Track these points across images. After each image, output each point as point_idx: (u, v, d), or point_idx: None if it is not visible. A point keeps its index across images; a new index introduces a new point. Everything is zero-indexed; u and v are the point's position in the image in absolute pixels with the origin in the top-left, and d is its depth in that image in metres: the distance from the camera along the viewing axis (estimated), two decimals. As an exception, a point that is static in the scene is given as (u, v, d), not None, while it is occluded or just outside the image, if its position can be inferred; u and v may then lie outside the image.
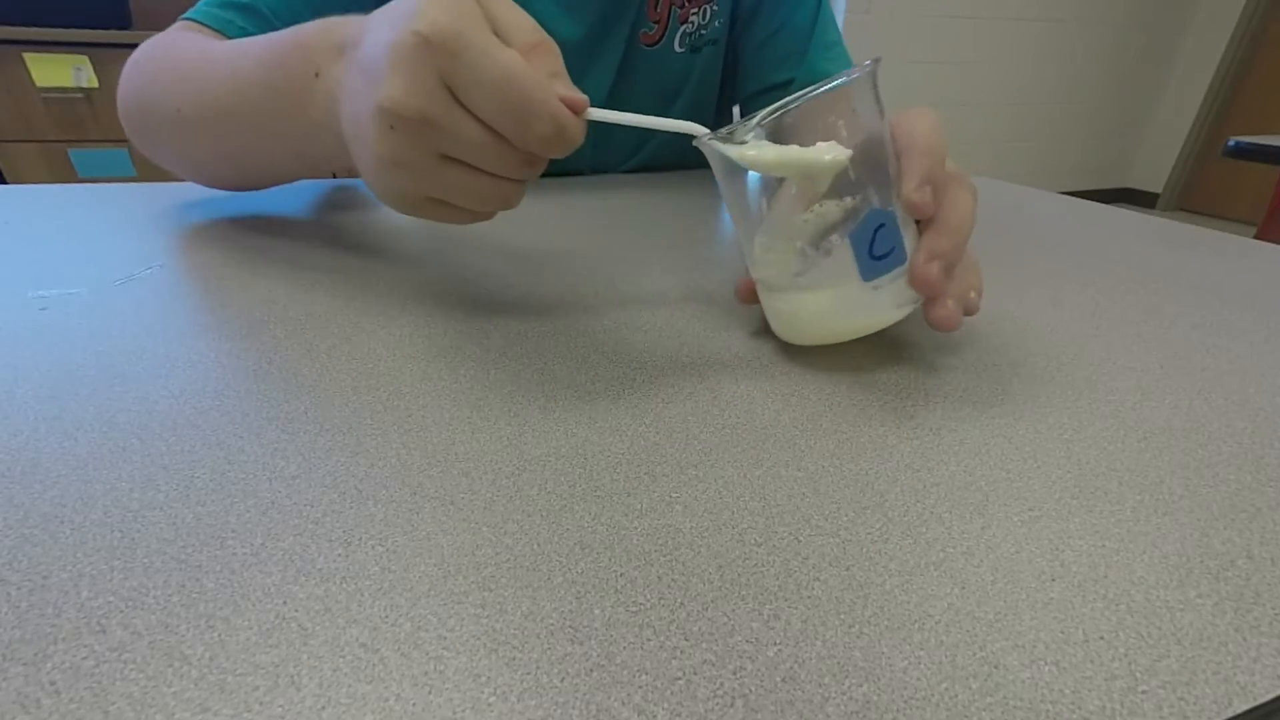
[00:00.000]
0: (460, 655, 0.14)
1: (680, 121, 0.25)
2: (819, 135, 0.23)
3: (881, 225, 0.23)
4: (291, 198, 0.50)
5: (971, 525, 0.18)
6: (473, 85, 0.22)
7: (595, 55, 0.55)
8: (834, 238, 0.24)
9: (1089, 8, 2.95)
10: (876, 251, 0.23)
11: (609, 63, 0.56)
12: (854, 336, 0.27)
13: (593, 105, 0.24)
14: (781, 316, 0.27)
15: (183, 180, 0.46)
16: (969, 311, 0.26)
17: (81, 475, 0.19)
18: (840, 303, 0.25)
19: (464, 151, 0.23)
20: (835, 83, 0.22)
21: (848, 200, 0.24)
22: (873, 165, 0.24)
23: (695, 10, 0.56)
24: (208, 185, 0.44)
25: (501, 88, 0.22)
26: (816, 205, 0.24)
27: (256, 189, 0.45)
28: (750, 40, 0.59)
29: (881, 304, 0.25)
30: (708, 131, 0.24)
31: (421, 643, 0.14)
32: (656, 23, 0.56)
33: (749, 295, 0.29)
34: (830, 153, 0.22)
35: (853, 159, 0.23)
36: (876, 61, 0.23)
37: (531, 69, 0.22)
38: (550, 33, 0.24)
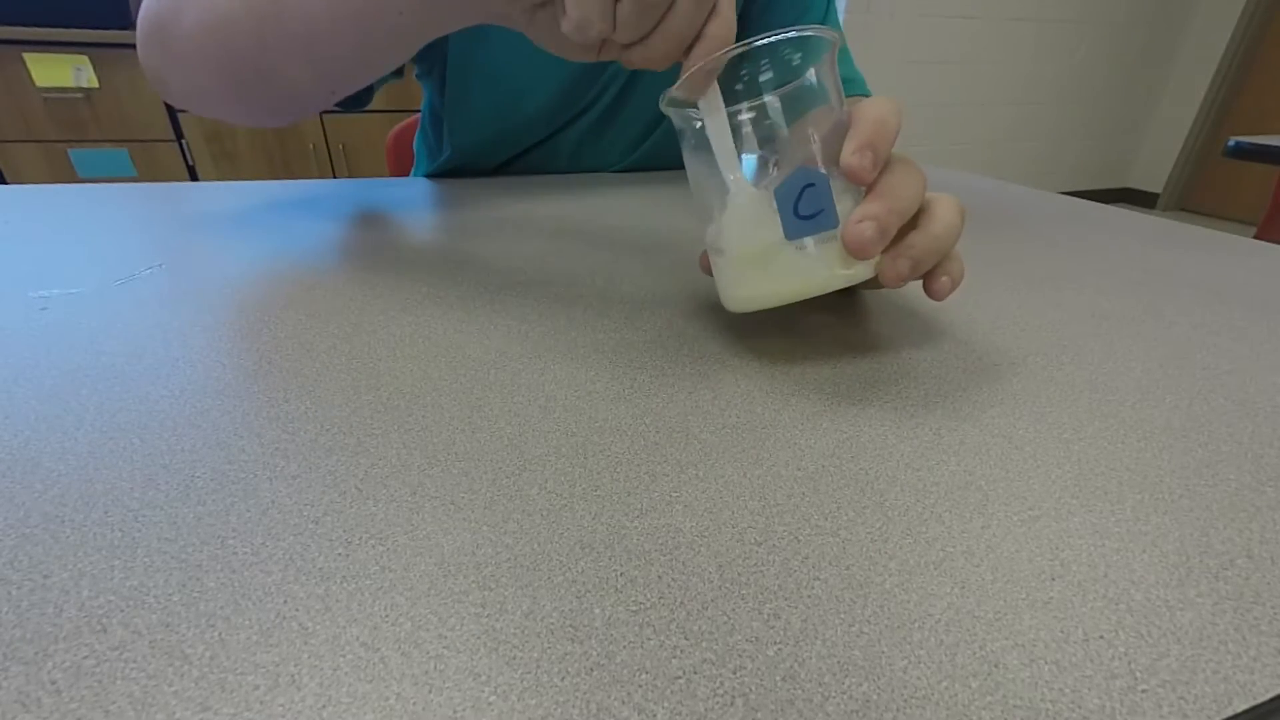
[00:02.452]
0: (460, 655, 0.14)
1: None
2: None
3: (810, 185, 0.23)
4: (292, 199, 0.50)
5: (971, 525, 0.18)
6: None
7: None
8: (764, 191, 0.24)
9: (1089, 7, 2.95)
10: (803, 211, 0.23)
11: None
12: (787, 300, 0.26)
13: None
14: (721, 280, 0.27)
15: (182, 109, 0.41)
16: (937, 295, 0.26)
17: (81, 475, 0.19)
18: (767, 262, 0.25)
19: None
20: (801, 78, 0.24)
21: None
22: (827, 143, 0.24)
23: None
24: (213, 84, 0.39)
25: None
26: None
27: (266, 83, 0.38)
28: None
29: (810, 266, 0.24)
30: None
31: (421, 642, 0.14)
32: None
33: (710, 266, 0.29)
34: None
35: (818, 138, 0.24)
36: (838, 36, 0.24)
37: None
38: None
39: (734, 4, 0.24)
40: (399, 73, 0.55)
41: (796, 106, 0.25)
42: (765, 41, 0.23)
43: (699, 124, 0.25)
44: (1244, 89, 3.09)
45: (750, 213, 0.25)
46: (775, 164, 0.25)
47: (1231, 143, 1.48)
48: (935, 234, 0.25)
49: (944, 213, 0.26)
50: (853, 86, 0.57)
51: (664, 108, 0.26)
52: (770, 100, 0.24)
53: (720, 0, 0.24)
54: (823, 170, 0.23)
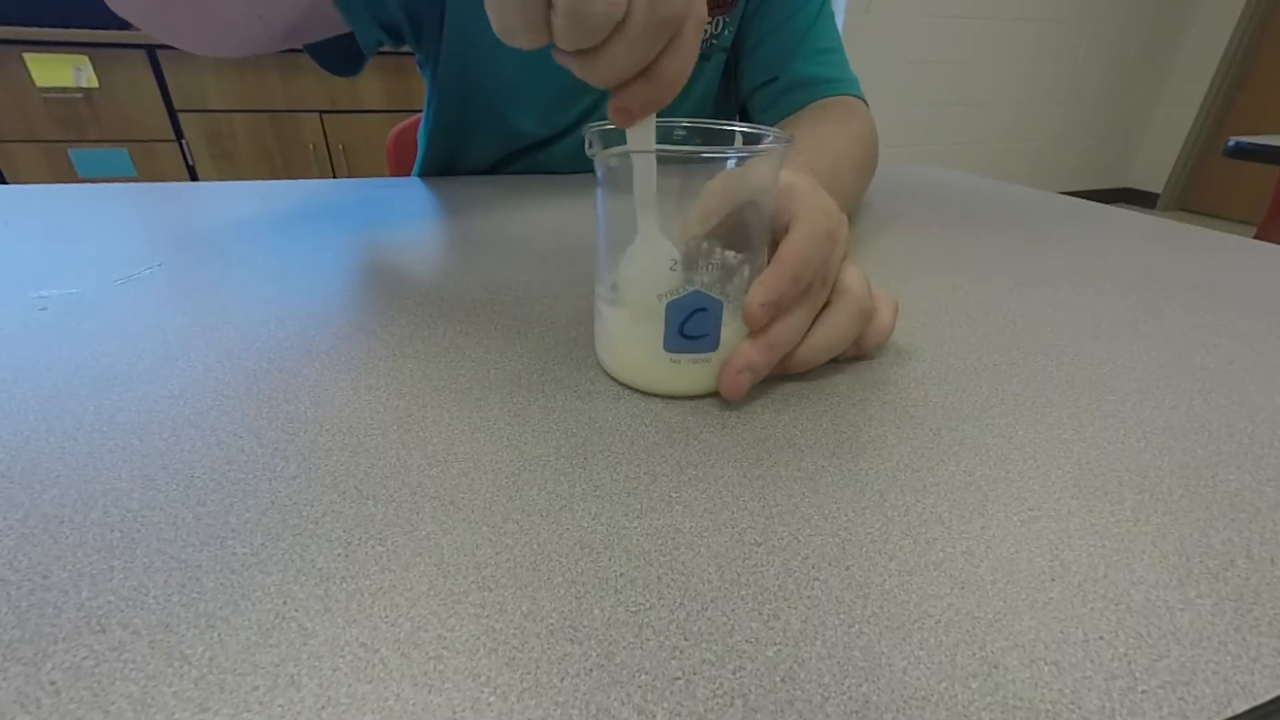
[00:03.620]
0: (460, 655, 0.14)
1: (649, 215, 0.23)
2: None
3: (702, 309, 0.22)
4: (292, 199, 0.50)
5: (971, 525, 0.18)
6: None
7: None
8: (662, 295, 0.23)
9: (1089, 8, 2.95)
10: (688, 331, 0.23)
11: None
12: (650, 390, 0.25)
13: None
14: (597, 335, 0.26)
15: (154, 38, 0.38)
16: (861, 355, 0.27)
17: (81, 475, 0.19)
18: (642, 356, 0.24)
19: None
20: (730, 155, 0.22)
21: (710, 263, 0.23)
22: (746, 244, 0.24)
23: (709, 20, 0.57)
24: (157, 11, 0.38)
25: None
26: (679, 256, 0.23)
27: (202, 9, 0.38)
28: (749, 41, 0.59)
29: (678, 379, 0.24)
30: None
31: (421, 643, 0.14)
32: None
33: None
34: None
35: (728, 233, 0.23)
36: (786, 144, 0.23)
37: None
38: None
39: (698, 40, 0.21)
40: (396, 36, 0.54)
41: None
42: (712, 156, 0.22)
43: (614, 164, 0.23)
44: (1244, 89, 3.09)
45: (638, 317, 0.24)
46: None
47: (1231, 143, 1.48)
48: (800, 360, 0.25)
49: (830, 327, 0.25)
50: (841, 86, 0.57)
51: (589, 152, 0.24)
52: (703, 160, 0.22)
53: (684, 33, 0.20)
54: (718, 298, 0.22)
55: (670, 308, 0.23)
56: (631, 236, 0.23)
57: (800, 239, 0.23)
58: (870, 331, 0.26)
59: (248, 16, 0.39)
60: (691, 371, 0.24)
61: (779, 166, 0.24)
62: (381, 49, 0.54)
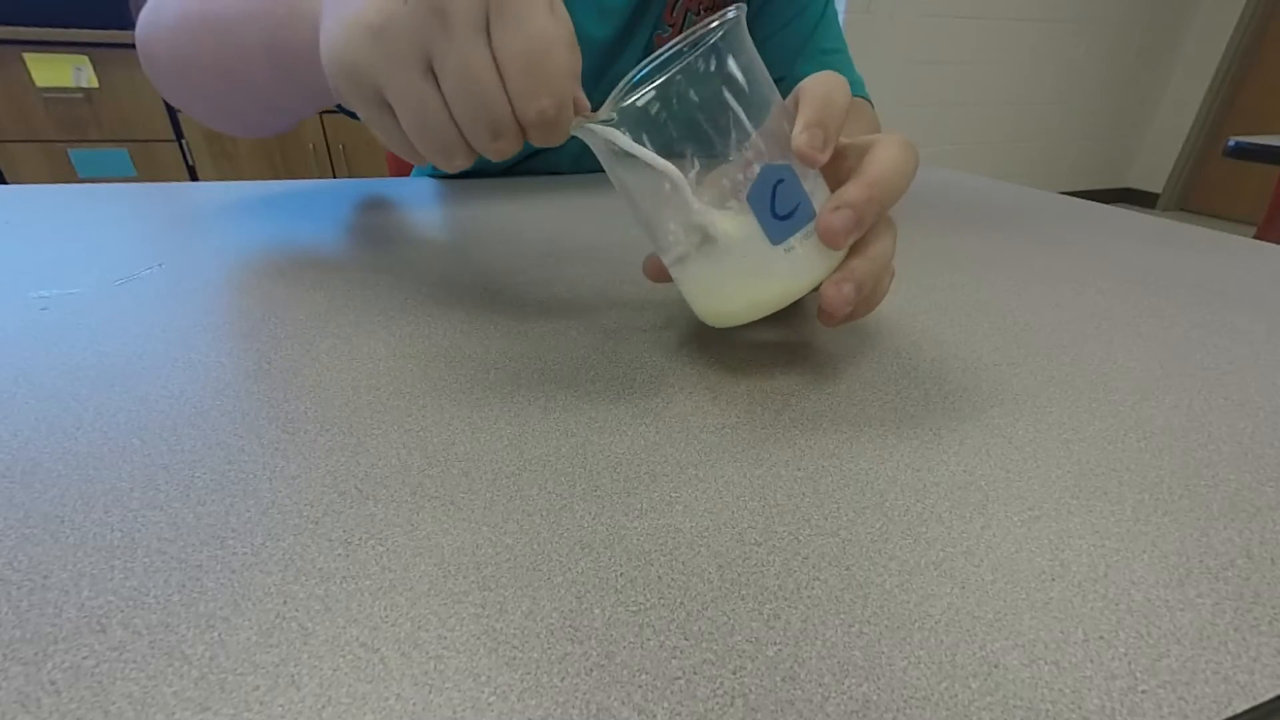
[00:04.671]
0: (460, 655, 0.14)
1: (659, 160, 0.22)
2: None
3: (780, 181, 0.21)
4: (292, 199, 0.50)
5: (971, 525, 0.18)
6: (511, 20, 0.20)
7: (617, 56, 0.55)
8: (732, 202, 0.22)
9: (1089, 8, 2.95)
10: (780, 210, 0.21)
11: (626, 64, 0.56)
12: (778, 306, 0.24)
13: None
14: (697, 296, 0.25)
15: (173, 103, 0.45)
16: (856, 315, 0.25)
17: (82, 475, 0.19)
18: (758, 265, 0.23)
19: (454, 76, 0.21)
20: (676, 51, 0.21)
21: (742, 162, 0.22)
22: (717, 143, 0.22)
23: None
24: (196, 107, 0.44)
25: (536, 39, 0.20)
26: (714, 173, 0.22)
27: (233, 113, 0.43)
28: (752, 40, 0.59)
29: (802, 266, 0.23)
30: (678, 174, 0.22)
31: (421, 643, 0.14)
32: (671, 25, 0.56)
33: (659, 273, 0.27)
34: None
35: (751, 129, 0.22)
36: (740, 10, 0.22)
37: (569, 44, 0.21)
38: (583, 33, 0.23)
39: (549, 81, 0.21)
40: None
41: (702, 91, 0.21)
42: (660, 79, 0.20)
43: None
44: (1244, 89, 3.09)
45: (731, 233, 0.22)
46: (694, 159, 0.22)
47: (1231, 143, 1.48)
48: (874, 256, 0.23)
49: (883, 231, 0.24)
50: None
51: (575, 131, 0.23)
52: (663, 87, 0.21)
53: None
54: (783, 162, 0.21)
55: (753, 198, 0.21)
56: (660, 192, 0.23)
57: (809, 80, 0.23)
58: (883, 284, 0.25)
59: (271, 113, 0.43)
60: (808, 251, 0.22)
61: (742, 36, 0.22)
62: None
